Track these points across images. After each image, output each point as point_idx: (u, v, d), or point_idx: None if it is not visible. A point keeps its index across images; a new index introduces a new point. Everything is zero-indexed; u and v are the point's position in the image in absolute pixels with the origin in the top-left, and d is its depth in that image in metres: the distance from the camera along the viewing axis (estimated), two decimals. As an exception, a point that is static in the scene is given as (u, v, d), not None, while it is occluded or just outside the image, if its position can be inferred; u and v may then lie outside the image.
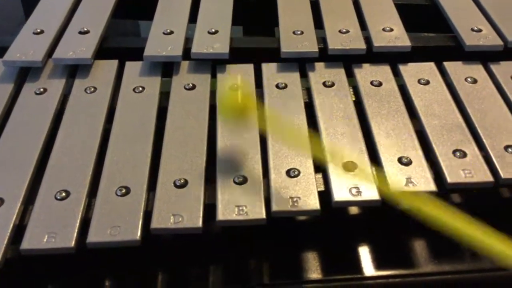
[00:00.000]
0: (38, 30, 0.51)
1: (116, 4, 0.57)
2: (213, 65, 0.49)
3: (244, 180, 0.37)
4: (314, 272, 0.38)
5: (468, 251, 0.40)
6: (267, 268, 0.39)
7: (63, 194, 0.36)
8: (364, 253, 0.39)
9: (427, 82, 0.47)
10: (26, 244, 0.34)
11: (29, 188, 0.37)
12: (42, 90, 0.46)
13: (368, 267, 0.38)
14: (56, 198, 0.36)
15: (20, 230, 0.35)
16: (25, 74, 0.48)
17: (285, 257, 0.39)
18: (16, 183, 0.37)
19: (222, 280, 0.38)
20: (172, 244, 0.40)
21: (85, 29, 0.51)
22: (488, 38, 0.50)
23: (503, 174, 0.38)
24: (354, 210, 0.43)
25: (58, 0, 0.57)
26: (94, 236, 0.34)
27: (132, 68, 0.49)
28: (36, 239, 0.34)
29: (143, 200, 0.36)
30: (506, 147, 0.40)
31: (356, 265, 0.38)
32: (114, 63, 0.49)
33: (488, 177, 0.38)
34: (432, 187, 0.37)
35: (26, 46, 0.49)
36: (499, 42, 0.50)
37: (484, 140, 0.41)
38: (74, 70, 0.49)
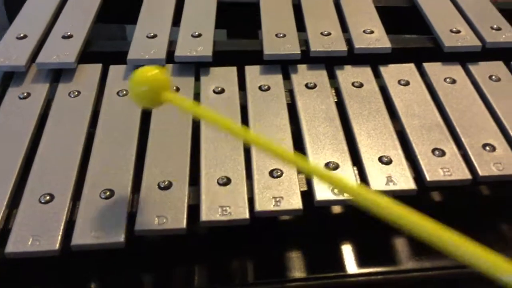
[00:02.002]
0: (22, 35, 0.51)
1: (100, 9, 0.57)
2: (196, 68, 0.49)
3: (227, 181, 0.38)
4: (297, 270, 0.38)
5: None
6: (251, 268, 0.39)
7: (47, 197, 0.37)
8: (347, 251, 0.40)
9: (407, 83, 0.48)
10: (11, 247, 0.34)
11: (14, 191, 0.38)
12: (26, 94, 0.46)
13: (351, 265, 0.39)
14: (40, 202, 0.36)
15: (5, 233, 0.35)
16: (8, 78, 0.48)
17: (269, 256, 0.40)
18: (0, 187, 0.37)
19: (206, 279, 0.39)
20: (157, 245, 0.40)
21: (69, 34, 0.52)
22: (466, 39, 0.51)
23: (480, 172, 0.39)
24: (336, 209, 0.43)
25: (41, 4, 0.57)
26: (78, 238, 0.34)
27: (116, 71, 0.49)
28: (21, 242, 0.34)
29: (127, 202, 0.37)
30: (484, 146, 0.41)
31: (338, 263, 0.39)
32: (98, 67, 0.50)
33: (466, 175, 0.39)
34: (412, 185, 0.38)
35: (10, 51, 0.49)
36: (477, 43, 0.51)
37: (463, 139, 0.42)
38: (57, 74, 0.49)
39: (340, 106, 0.46)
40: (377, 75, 0.49)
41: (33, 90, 0.47)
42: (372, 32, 0.52)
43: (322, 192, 0.37)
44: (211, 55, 0.49)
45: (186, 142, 0.42)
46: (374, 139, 0.42)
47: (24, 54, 0.49)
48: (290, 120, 0.44)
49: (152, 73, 0.34)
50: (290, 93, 0.48)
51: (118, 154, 0.40)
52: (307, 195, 0.37)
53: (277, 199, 0.37)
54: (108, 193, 0.37)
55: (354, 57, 0.50)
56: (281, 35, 0.52)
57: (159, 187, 0.38)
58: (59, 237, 0.34)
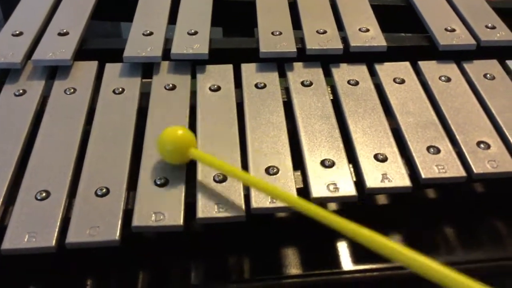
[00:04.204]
0: (17, 32, 0.51)
1: (95, 6, 0.57)
2: (193, 66, 0.50)
3: (224, 178, 0.38)
4: (293, 267, 0.38)
5: (442, 244, 0.41)
6: (247, 264, 0.39)
7: (44, 194, 0.37)
8: (342, 248, 0.40)
9: (402, 81, 0.48)
10: (7, 244, 0.34)
11: (10, 188, 0.38)
12: (21, 91, 0.46)
13: (346, 262, 0.39)
14: (36, 199, 0.36)
15: (1, 230, 0.35)
16: (4, 75, 0.48)
17: (265, 253, 0.40)
18: (-4, 184, 0.37)
19: (203, 276, 0.39)
20: (154, 242, 0.40)
21: (64, 31, 0.52)
22: (461, 38, 0.52)
23: (475, 169, 0.39)
24: (332, 206, 0.43)
25: (37, 1, 0.57)
26: (73, 236, 0.34)
27: (112, 69, 0.49)
28: (17, 239, 0.34)
29: (123, 200, 0.37)
30: (479, 143, 0.41)
31: (334, 259, 0.39)
32: (94, 64, 0.49)
33: (461, 172, 0.39)
34: (407, 182, 0.38)
35: (5, 48, 0.49)
36: (472, 41, 0.51)
37: (457, 137, 0.42)
38: (53, 72, 0.49)
39: (336, 104, 0.46)
40: (373, 73, 0.50)
41: (29, 87, 0.47)
42: (367, 30, 0.52)
43: (318, 189, 0.37)
44: (207, 53, 0.49)
45: (182, 140, 0.42)
46: (370, 137, 0.42)
47: (19, 51, 0.49)
48: (286, 117, 0.44)
49: (180, 132, 0.39)
50: (286, 91, 0.48)
51: (114, 151, 0.40)
52: (303, 192, 0.38)
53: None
54: (103, 190, 0.37)
55: (350, 55, 0.50)
56: (277, 33, 0.52)
57: (156, 184, 0.38)
58: (56, 234, 0.34)
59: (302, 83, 0.48)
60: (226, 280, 0.38)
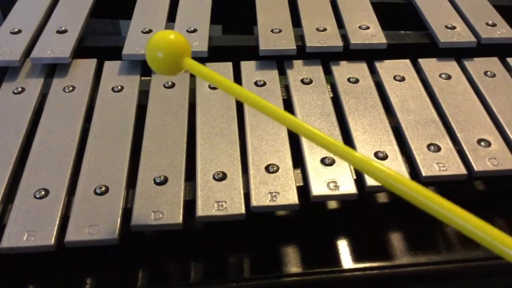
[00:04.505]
0: (16, 30, 0.51)
1: (94, 3, 0.57)
2: (192, 64, 0.49)
3: (223, 176, 0.38)
4: (293, 265, 0.38)
5: (442, 243, 0.41)
6: (247, 263, 0.39)
7: (43, 192, 0.37)
8: (342, 246, 0.40)
9: (402, 79, 0.48)
10: (6, 242, 0.34)
11: (8, 187, 0.37)
12: (20, 89, 0.46)
13: (347, 260, 0.39)
14: (35, 197, 0.36)
15: (0, 228, 0.35)
16: (3, 73, 0.48)
17: (265, 251, 0.40)
18: (-5, 182, 0.37)
19: (202, 275, 0.39)
20: (153, 240, 0.40)
21: (63, 28, 0.51)
22: (461, 35, 0.51)
23: (476, 167, 0.39)
24: (332, 204, 0.43)
25: (35, -1, 0.57)
26: (72, 235, 0.34)
27: (111, 67, 0.49)
28: (16, 237, 0.34)
29: (122, 199, 0.36)
30: (479, 141, 0.41)
31: (334, 258, 0.39)
32: (93, 62, 0.49)
33: (461, 170, 0.39)
34: (407, 180, 0.38)
35: (4, 46, 0.49)
36: (472, 39, 0.51)
37: (458, 134, 0.42)
38: (52, 70, 0.49)
39: (336, 101, 0.46)
40: (373, 71, 0.49)
41: (28, 85, 0.47)
42: (367, 28, 0.52)
43: (318, 187, 0.37)
44: (206, 51, 0.49)
45: (181, 137, 0.41)
46: (370, 135, 0.42)
47: (18, 49, 0.49)
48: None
49: (173, 36, 0.33)
50: (286, 88, 0.47)
51: (113, 150, 0.40)
52: (303, 190, 0.37)
53: (273, 194, 0.37)
54: (102, 189, 0.37)
55: (350, 53, 0.50)
56: (277, 30, 0.51)
57: (155, 182, 0.37)
58: (55, 232, 0.34)
59: (302, 81, 0.48)
60: (225, 278, 0.38)
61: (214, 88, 0.47)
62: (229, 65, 0.49)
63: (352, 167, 0.39)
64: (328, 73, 0.49)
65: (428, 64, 0.50)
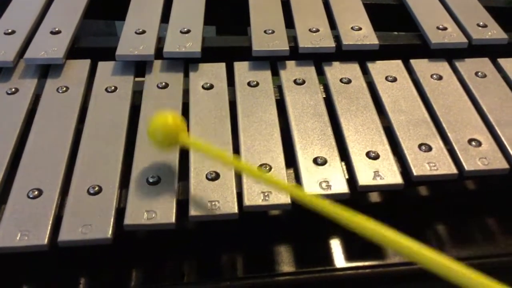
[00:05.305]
0: (10, 30, 0.51)
1: (88, 4, 0.57)
2: (185, 64, 0.50)
3: (216, 176, 0.38)
4: (286, 264, 0.39)
5: (434, 242, 0.41)
6: (240, 262, 0.40)
7: (36, 192, 0.37)
8: (335, 245, 0.40)
9: (394, 79, 0.48)
10: (-1, 242, 0.34)
11: (2, 186, 0.37)
12: (13, 90, 0.46)
13: (339, 259, 0.39)
14: (28, 197, 0.36)
15: (-7, 228, 0.35)
16: (-4, 74, 0.48)
17: (258, 250, 0.40)
18: (-12, 183, 0.37)
19: (196, 274, 0.39)
20: (146, 240, 0.40)
21: (57, 29, 0.51)
22: (453, 36, 0.52)
23: (466, 167, 0.39)
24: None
25: (29, 0, 0.57)
26: (65, 234, 0.34)
27: (105, 67, 0.49)
28: (9, 237, 0.34)
29: (115, 198, 0.37)
30: (470, 141, 0.41)
31: (327, 257, 0.39)
32: (86, 62, 0.49)
33: (452, 170, 0.39)
34: (398, 180, 0.38)
35: (-3, 46, 0.49)
36: (464, 39, 0.52)
37: (449, 134, 0.42)
38: (46, 70, 0.49)
39: (328, 102, 0.46)
40: (365, 72, 0.50)
41: (21, 86, 0.47)
42: (360, 29, 0.52)
43: (310, 187, 0.37)
44: (200, 51, 0.49)
45: (175, 138, 0.42)
46: (362, 135, 0.42)
47: (12, 49, 0.49)
48: (279, 116, 0.44)
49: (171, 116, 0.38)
50: (279, 89, 0.48)
51: (106, 150, 0.40)
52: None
53: (266, 194, 0.37)
54: (96, 188, 0.37)
55: (342, 54, 0.51)
56: (270, 31, 0.52)
57: (148, 182, 0.38)
58: (48, 232, 0.34)
59: (295, 81, 0.48)
60: (218, 277, 0.38)
61: (207, 89, 0.47)
62: (222, 66, 0.49)
63: (344, 167, 0.39)
64: (320, 73, 0.49)
65: (420, 65, 0.50)
